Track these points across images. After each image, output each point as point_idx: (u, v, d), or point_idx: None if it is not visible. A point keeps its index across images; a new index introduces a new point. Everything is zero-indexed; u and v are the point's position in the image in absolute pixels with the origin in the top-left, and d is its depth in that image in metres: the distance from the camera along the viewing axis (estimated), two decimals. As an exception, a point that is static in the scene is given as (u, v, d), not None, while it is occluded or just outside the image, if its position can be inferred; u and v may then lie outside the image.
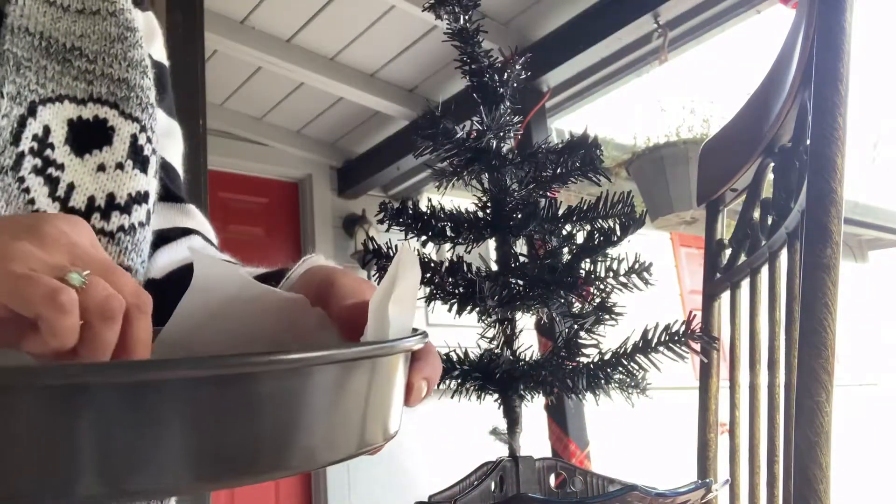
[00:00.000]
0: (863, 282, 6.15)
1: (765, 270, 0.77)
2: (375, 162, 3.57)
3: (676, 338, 0.58)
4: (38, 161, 0.58)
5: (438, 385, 0.58)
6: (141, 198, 0.65)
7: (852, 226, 5.54)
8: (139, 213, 0.64)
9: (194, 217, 0.78)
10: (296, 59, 2.87)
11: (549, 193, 0.64)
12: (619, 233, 0.61)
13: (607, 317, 0.61)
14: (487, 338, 0.62)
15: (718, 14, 2.54)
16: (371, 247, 0.62)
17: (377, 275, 0.62)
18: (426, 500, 0.59)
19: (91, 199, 0.62)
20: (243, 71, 3.01)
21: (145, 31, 0.79)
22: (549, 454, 2.04)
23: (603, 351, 0.59)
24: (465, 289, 0.60)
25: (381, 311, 0.37)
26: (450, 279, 0.61)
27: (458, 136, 0.62)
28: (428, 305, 0.62)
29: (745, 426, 0.79)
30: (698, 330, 0.58)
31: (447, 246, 0.64)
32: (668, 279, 5.08)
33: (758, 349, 0.78)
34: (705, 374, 0.88)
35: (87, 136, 0.63)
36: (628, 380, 0.60)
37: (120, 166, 0.64)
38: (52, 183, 0.59)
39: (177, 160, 0.82)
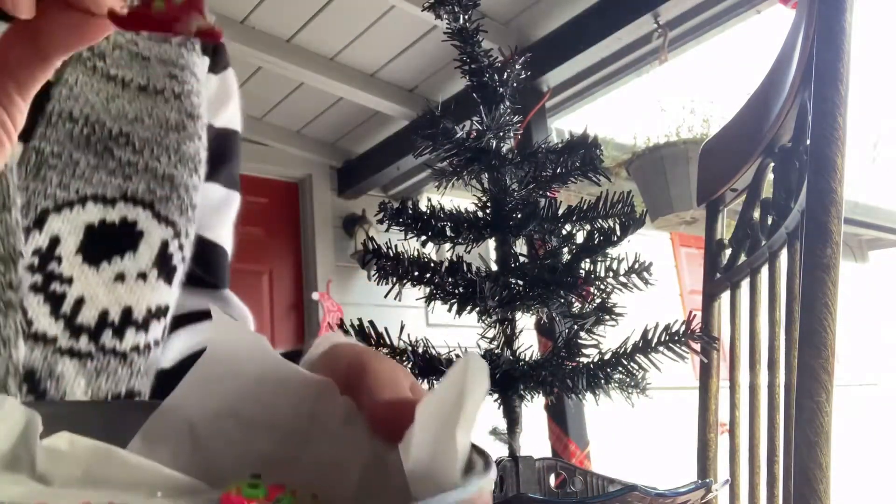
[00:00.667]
0: (863, 282, 6.15)
1: (765, 270, 0.77)
2: (375, 162, 3.57)
3: (676, 338, 0.58)
4: (38, 277, 0.52)
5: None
6: (161, 312, 0.59)
7: (852, 226, 5.54)
8: (156, 329, 0.58)
9: (228, 302, 0.71)
10: (296, 59, 2.87)
11: (548, 193, 0.64)
12: (618, 233, 0.61)
13: (607, 317, 0.61)
14: (487, 338, 0.62)
15: (718, 14, 2.54)
16: (371, 247, 0.62)
17: (376, 275, 0.62)
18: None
19: (104, 314, 0.55)
20: (244, 71, 3.01)
21: (218, 94, 0.73)
22: (549, 454, 2.04)
23: (603, 351, 0.59)
24: (465, 289, 0.60)
25: (443, 435, 0.29)
26: (450, 279, 0.61)
27: (458, 135, 0.62)
28: (428, 305, 0.62)
29: (745, 426, 0.79)
30: (698, 330, 0.58)
31: (447, 246, 0.64)
32: (668, 279, 5.08)
33: (758, 349, 0.78)
34: (705, 374, 0.88)
35: (108, 243, 0.56)
36: (628, 380, 0.60)
37: (142, 276, 0.57)
38: (55, 300, 0.53)
39: (228, 235, 0.75)
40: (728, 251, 0.88)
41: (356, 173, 3.70)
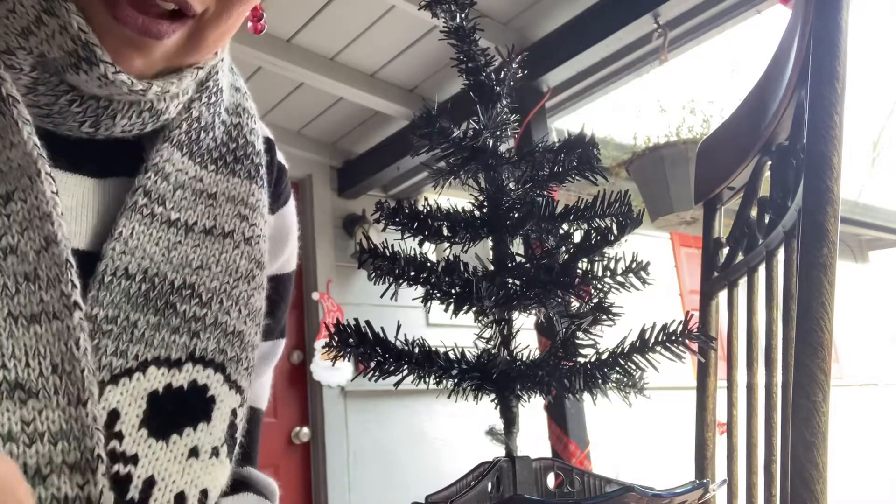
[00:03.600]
0: (863, 282, 6.14)
1: (762, 269, 0.76)
2: (375, 162, 3.57)
3: (674, 338, 0.58)
4: None
5: (437, 384, 0.58)
6: (219, 494, 0.52)
7: (852, 226, 5.53)
8: None
9: (255, 480, 0.65)
10: (296, 59, 2.87)
11: (546, 192, 0.64)
12: (616, 232, 0.60)
13: (605, 317, 0.61)
14: (484, 338, 0.62)
15: (718, 14, 2.53)
16: (367, 246, 0.62)
17: (373, 275, 0.62)
18: (423, 500, 0.59)
19: (181, 499, 0.48)
20: (243, 71, 3.00)
21: (275, 235, 0.67)
22: (549, 454, 2.04)
23: (600, 351, 0.59)
24: (462, 288, 0.60)
25: None
26: (446, 279, 0.61)
27: (455, 135, 0.62)
28: (425, 305, 0.62)
29: (742, 426, 0.79)
30: (696, 329, 0.58)
31: (445, 245, 0.64)
32: (668, 279, 5.09)
33: (755, 348, 0.78)
34: (703, 373, 0.88)
35: (177, 411, 0.50)
36: (625, 380, 0.59)
37: (216, 452, 0.51)
38: (119, 483, 0.46)
39: (266, 385, 0.68)
40: (725, 250, 0.88)
41: (356, 173, 3.70)
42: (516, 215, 0.62)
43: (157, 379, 0.49)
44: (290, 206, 0.71)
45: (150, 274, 0.51)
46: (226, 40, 0.57)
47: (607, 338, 0.60)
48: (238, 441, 0.55)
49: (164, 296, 0.51)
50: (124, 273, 0.50)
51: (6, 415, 0.43)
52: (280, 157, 0.71)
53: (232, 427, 0.53)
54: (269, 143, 0.69)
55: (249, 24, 0.61)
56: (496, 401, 0.61)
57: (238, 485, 0.62)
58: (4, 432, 0.43)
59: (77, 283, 0.47)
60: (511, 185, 0.63)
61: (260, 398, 0.68)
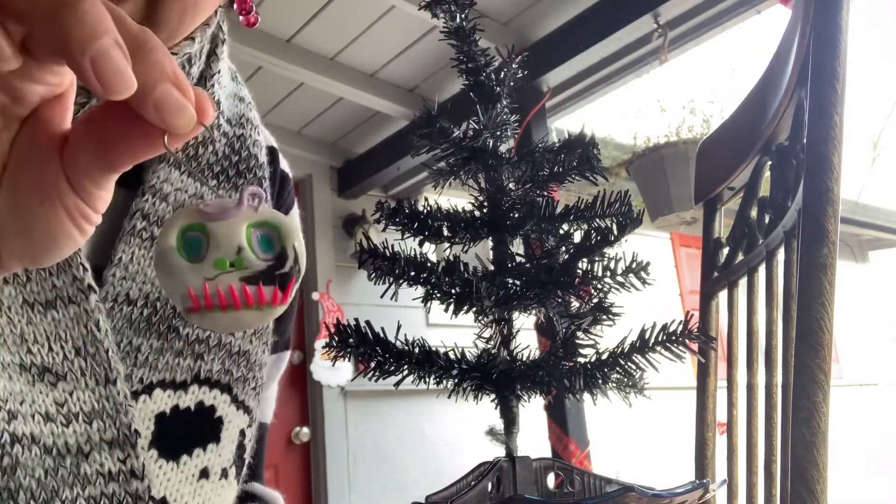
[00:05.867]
0: (863, 282, 6.14)
1: (762, 269, 0.76)
2: (375, 162, 3.57)
3: (674, 338, 0.58)
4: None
5: (437, 384, 0.58)
6: None
7: (852, 226, 5.54)
8: None
9: (260, 495, 0.65)
10: (296, 59, 2.87)
11: (546, 193, 0.64)
12: (616, 232, 0.60)
13: (605, 317, 0.61)
14: (484, 338, 0.62)
15: (718, 14, 2.53)
16: (367, 246, 0.62)
17: (373, 275, 0.62)
18: (423, 500, 0.59)
19: None
20: (244, 71, 3.00)
21: None
22: (549, 454, 2.04)
23: (600, 351, 0.59)
24: (462, 288, 0.60)
25: None
26: (446, 279, 0.61)
27: (455, 135, 0.62)
28: (425, 305, 0.62)
29: (742, 426, 0.79)
30: (696, 329, 0.57)
31: (445, 245, 0.64)
32: (668, 279, 5.09)
33: (755, 348, 0.77)
34: (703, 373, 0.88)
35: (186, 431, 0.49)
36: (626, 380, 0.59)
37: (225, 474, 0.51)
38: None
39: (272, 397, 0.68)
40: (725, 250, 0.88)
41: (356, 173, 3.70)
42: (516, 215, 0.62)
43: (163, 401, 0.49)
44: (294, 215, 0.71)
45: (152, 298, 0.50)
46: (193, 19, 0.52)
47: (607, 338, 0.60)
48: (247, 462, 0.55)
49: (167, 320, 0.51)
50: (125, 299, 0.49)
51: (41, 396, 0.44)
52: (283, 164, 0.71)
53: (240, 448, 0.53)
54: (272, 152, 0.68)
55: (241, 17, 0.59)
56: (496, 401, 0.61)
57: (244, 498, 0.62)
58: (43, 412, 0.44)
59: (87, 266, 0.46)
60: (511, 185, 0.63)
61: (265, 413, 0.68)
